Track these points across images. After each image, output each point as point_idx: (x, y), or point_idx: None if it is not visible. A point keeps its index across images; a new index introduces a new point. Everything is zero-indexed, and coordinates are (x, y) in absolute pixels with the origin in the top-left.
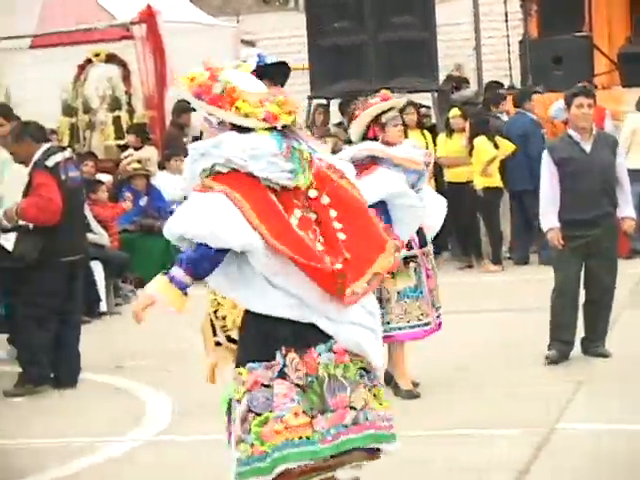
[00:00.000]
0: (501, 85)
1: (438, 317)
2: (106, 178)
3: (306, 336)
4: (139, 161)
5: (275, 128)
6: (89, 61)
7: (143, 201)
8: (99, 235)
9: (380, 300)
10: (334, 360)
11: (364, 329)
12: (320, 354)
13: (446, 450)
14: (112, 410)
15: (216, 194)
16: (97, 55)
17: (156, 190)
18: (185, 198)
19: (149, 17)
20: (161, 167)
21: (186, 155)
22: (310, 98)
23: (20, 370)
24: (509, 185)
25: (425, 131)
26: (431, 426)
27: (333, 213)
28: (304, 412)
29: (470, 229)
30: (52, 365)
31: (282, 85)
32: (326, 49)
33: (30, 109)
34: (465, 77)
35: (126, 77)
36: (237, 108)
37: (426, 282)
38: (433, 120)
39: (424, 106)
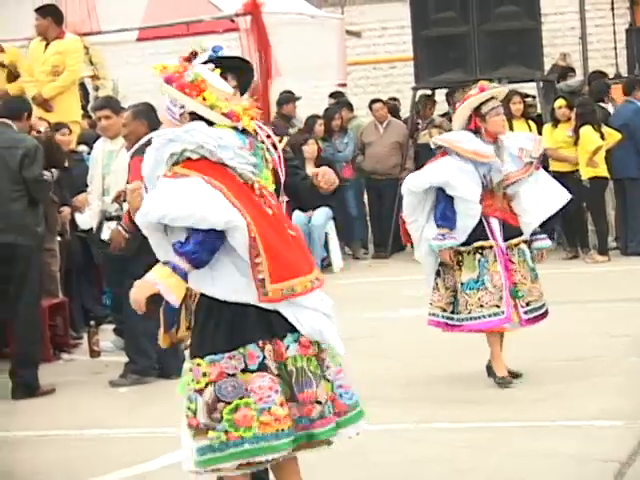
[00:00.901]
0: (605, 75)
1: (527, 312)
2: None
3: (272, 326)
4: None
5: (236, 128)
6: (194, 54)
7: None
8: None
9: (454, 291)
10: (300, 352)
11: (323, 316)
12: (288, 346)
13: (549, 441)
14: None
15: (193, 178)
16: (203, 48)
17: None
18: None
19: (254, 9)
20: None
21: (290, 146)
22: (414, 89)
23: (126, 360)
24: (615, 174)
25: (530, 121)
26: (536, 417)
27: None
28: (286, 401)
29: (576, 219)
30: (157, 355)
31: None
32: (430, 40)
33: (140, 101)
34: (571, 66)
35: None
36: (204, 98)
37: (503, 275)
38: (538, 110)
39: (530, 96)
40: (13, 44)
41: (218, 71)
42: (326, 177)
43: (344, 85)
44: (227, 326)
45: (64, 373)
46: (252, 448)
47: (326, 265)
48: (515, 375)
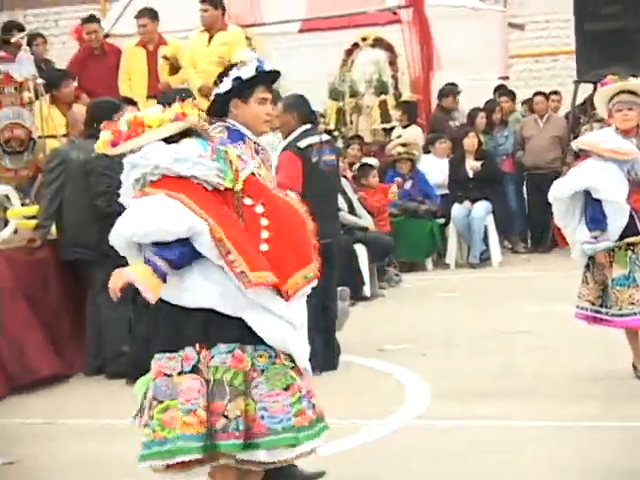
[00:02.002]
0: None
1: None
2: (372, 162)
3: (212, 333)
4: (404, 145)
5: (198, 135)
6: (356, 45)
7: (408, 184)
8: (363, 218)
9: (603, 285)
10: (228, 363)
11: (287, 324)
12: (214, 356)
13: None
14: (372, 394)
15: (155, 195)
16: (364, 39)
17: (421, 174)
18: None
19: (417, 1)
20: (426, 151)
21: (451, 139)
22: (576, 82)
23: None
24: None
25: None
26: None
27: (264, 222)
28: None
29: None
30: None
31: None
32: (593, 34)
33: (298, 92)
34: None
35: (392, 61)
36: (148, 126)
37: None
38: None
39: None
40: (173, 35)
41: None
42: None
43: (506, 78)
44: (171, 327)
45: None
46: (172, 448)
47: (485, 259)
48: None
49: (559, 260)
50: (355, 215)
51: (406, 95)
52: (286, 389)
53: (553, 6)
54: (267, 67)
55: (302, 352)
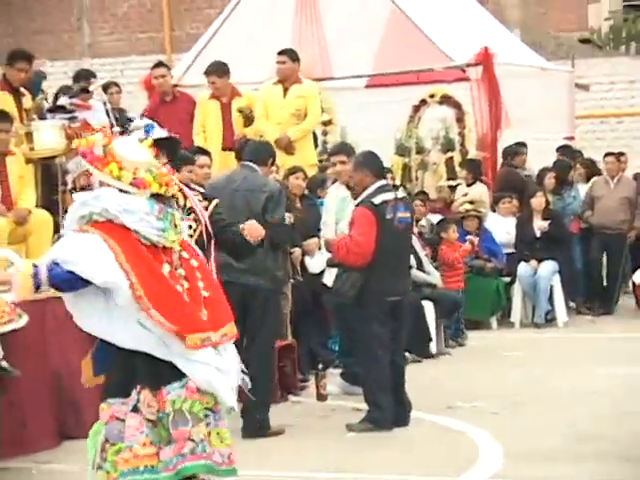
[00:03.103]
0: None
1: None
2: (436, 218)
3: (161, 375)
4: (471, 202)
5: (152, 194)
6: (424, 102)
7: (476, 240)
8: (431, 274)
9: None
10: (184, 396)
11: (214, 370)
12: (170, 392)
13: None
14: (444, 450)
15: (91, 235)
16: (432, 96)
17: (487, 232)
18: None
19: (486, 59)
20: (493, 209)
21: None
22: None
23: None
24: None
25: None
26: None
27: (199, 274)
28: (152, 443)
29: None
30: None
31: (170, 157)
32: None
33: (364, 148)
34: None
35: (460, 118)
36: (110, 170)
37: None
38: None
39: None
40: (243, 87)
41: (148, 142)
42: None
43: (572, 138)
44: (121, 372)
45: (291, 414)
46: None
47: (550, 319)
48: None
49: (623, 322)
50: (423, 272)
51: (472, 153)
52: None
53: (618, 67)
54: (156, 133)
55: (227, 394)
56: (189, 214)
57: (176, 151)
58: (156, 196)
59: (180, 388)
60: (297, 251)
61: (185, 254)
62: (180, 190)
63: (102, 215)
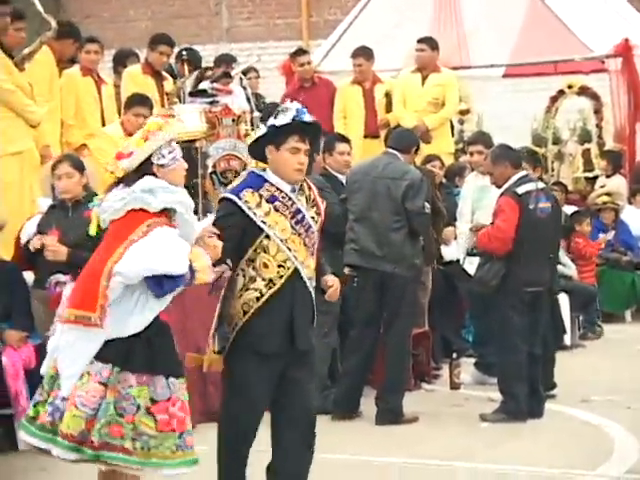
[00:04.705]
0: None
1: None
2: (571, 210)
3: None
4: (608, 194)
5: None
6: (561, 92)
7: (610, 235)
8: (567, 266)
9: None
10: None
11: None
12: None
13: None
14: (578, 444)
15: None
16: (570, 87)
17: (624, 224)
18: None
19: (626, 50)
20: (629, 201)
21: None
22: None
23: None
24: None
25: None
26: None
27: None
28: None
29: None
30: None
31: (312, 145)
32: None
33: (501, 138)
34: None
35: (598, 110)
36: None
37: None
38: None
39: None
40: (384, 75)
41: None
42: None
43: None
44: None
45: (424, 402)
46: None
47: None
48: None
49: None
50: (559, 263)
51: (609, 145)
52: None
53: None
54: (306, 118)
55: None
56: (313, 206)
57: (318, 137)
58: None
59: None
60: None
61: None
62: (304, 181)
63: (166, 207)
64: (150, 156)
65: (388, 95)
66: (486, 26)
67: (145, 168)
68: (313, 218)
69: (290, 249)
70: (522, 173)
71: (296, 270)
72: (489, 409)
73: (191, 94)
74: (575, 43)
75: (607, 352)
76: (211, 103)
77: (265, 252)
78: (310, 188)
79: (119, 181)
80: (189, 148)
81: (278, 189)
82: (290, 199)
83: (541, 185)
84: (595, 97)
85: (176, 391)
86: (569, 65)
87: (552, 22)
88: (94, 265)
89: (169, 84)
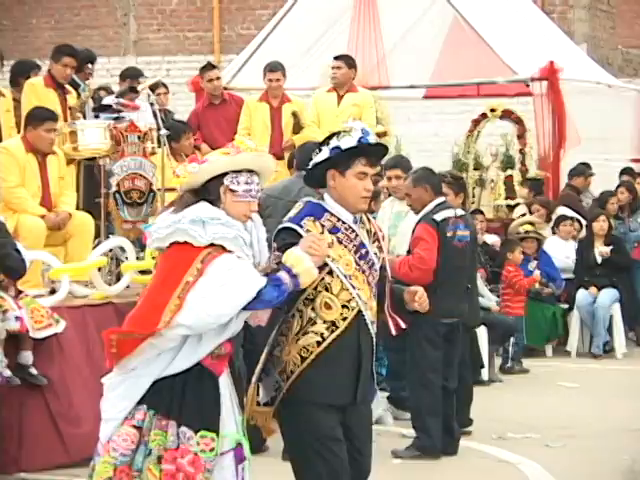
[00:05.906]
0: None
1: None
2: (491, 239)
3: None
4: (531, 223)
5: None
6: (484, 116)
7: (532, 265)
8: (485, 297)
9: None
10: None
11: None
12: None
13: None
14: None
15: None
16: (493, 110)
17: (546, 255)
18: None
19: (551, 74)
20: (553, 231)
21: (579, 222)
22: None
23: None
24: None
25: None
26: None
27: None
28: None
29: None
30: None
31: (375, 166)
32: None
33: (420, 162)
34: None
35: (521, 135)
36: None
37: None
38: None
39: None
40: (297, 93)
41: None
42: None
43: (638, 161)
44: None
45: None
46: None
47: (608, 350)
48: None
49: None
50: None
51: (532, 171)
52: None
53: None
54: (371, 139)
55: None
56: (374, 240)
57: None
58: None
59: None
60: None
61: None
62: (366, 215)
63: (224, 241)
64: (225, 175)
65: (295, 116)
66: (407, 45)
67: (211, 188)
68: (375, 254)
69: (354, 287)
70: (440, 199)
71: (360, 312)
72: (402, 445)
73: (95, 109)
74: (499, 65)
75: (526, 387)
76: (116, 119)
77: (327, 290)
78: (369, 221)
79: (173, 202)
80: (92, 166)
81: (339, 219)
82: (353, 231)
83: (460, 212)
84: (519, 121)
85: (187, 442)
86: (493, 87)
87: (476, 43)
88: (148, 309)
89: (72, 98)
